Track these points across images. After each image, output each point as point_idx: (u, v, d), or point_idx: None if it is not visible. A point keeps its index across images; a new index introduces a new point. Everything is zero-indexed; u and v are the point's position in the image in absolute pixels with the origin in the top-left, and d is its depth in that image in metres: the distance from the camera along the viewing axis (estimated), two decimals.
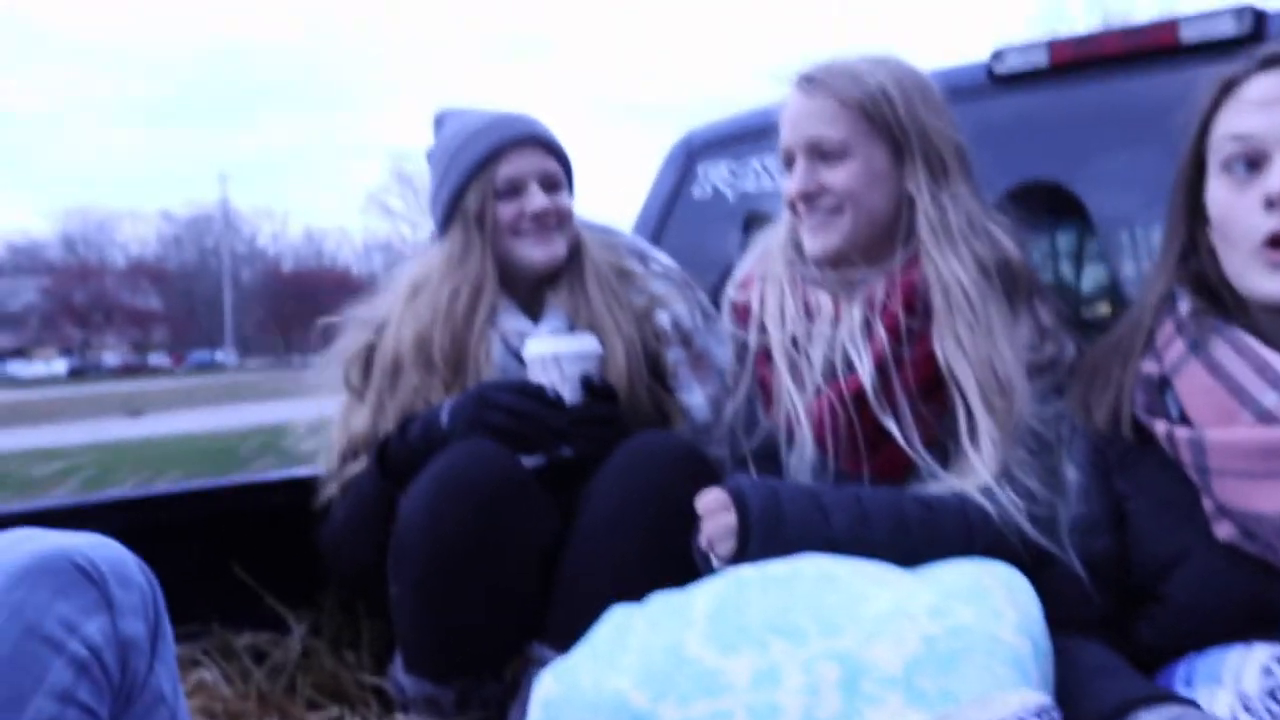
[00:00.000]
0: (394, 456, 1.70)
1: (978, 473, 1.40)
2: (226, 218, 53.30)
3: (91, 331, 51.03)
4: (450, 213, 1.84)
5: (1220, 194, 1.23)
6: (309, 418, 1.96)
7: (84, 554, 1.04)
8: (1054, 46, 1.94)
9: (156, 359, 51.41)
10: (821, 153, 1.54)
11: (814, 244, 1.57)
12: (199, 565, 1.85)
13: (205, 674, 1.77)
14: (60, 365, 47.93)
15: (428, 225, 2.03)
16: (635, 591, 1.30)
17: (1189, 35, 1.81)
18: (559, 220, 1.83)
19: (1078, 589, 1.32)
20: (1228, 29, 1.77)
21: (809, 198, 1.55)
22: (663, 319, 1.86)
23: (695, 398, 1.77)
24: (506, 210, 1.80)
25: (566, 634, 1.37)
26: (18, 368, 47.40)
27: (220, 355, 51.30)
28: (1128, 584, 1.31)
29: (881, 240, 1.55)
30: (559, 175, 1.85)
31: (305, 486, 2.00)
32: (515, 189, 1.81)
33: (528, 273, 1.84)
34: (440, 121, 1.94)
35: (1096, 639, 1.27)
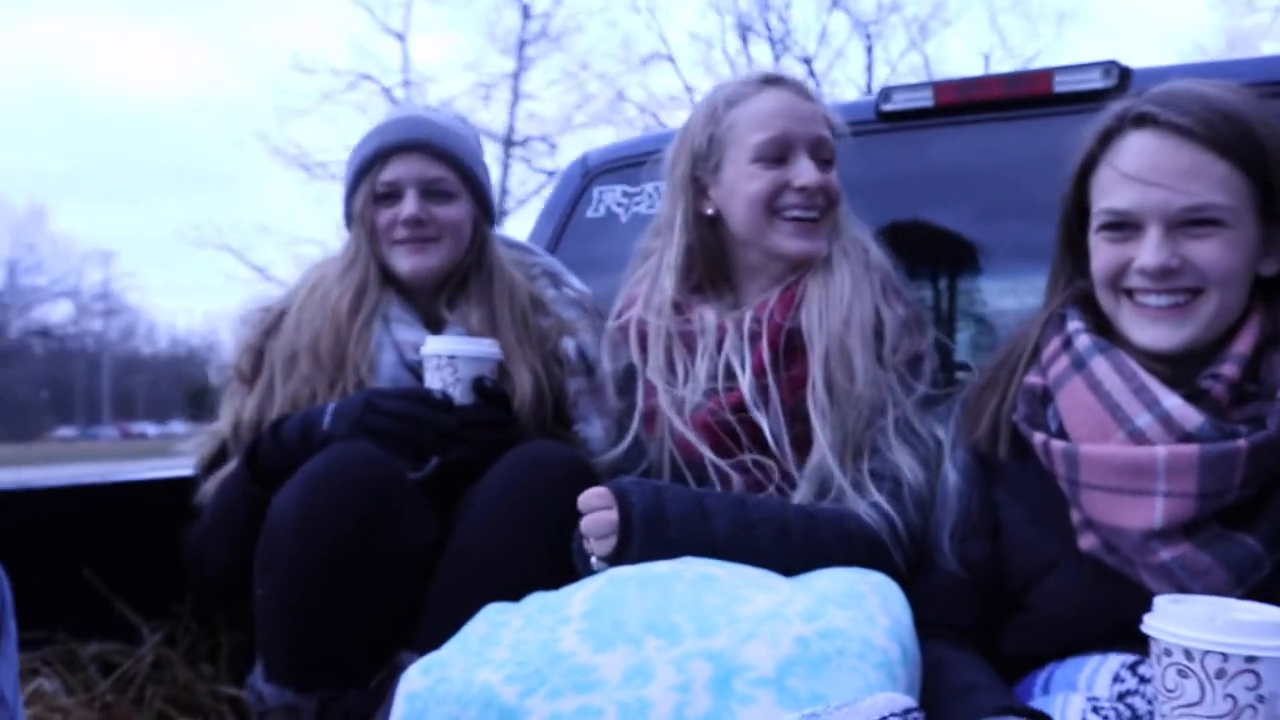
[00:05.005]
0: (265, 457, 1.64)
1: (820, 449, 1.49)
2: None
3: None
4: (347, 212, 1.84)
5: (1098, 249, 1.32)
6: None
7: None
8: (938, 88, 2.03)
9: None
10: (822, 156, 1.65)
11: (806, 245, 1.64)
12: (44, 568, 1.74)
13: (45, 683, 1.66)
14: None
15: None
16: (513, 600, 1.28)
17: (1063, 85, 1.91)
18: (438, 231, 1.78)
19: (955, 594, 1.36)
20: (1096, 81, 1.87)
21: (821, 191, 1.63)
22: (568, 346, 1.84)
23: (594, 430, 1.76)
24: (383, 216, 1.79)
25: (438, 642, 1.33)
26: None
27: None
28: (1001, 592, 1.35)
29: None
30: (447, 184, 1.80)
31: (164, 488, 1.92)
32: (393, 195, 1.78)
33: (408, 282, 1.81)
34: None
35: (969, 647, 1.31)
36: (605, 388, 1.75)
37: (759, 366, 1.56)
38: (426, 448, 1.62)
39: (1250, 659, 0.97)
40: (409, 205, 1.76)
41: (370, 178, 1.79)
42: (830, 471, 1.48)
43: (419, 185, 1.78)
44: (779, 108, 1.63)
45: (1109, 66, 1.88)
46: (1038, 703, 1.20)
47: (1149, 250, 1.24)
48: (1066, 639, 1.27)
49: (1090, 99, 1.77)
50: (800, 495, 1.50)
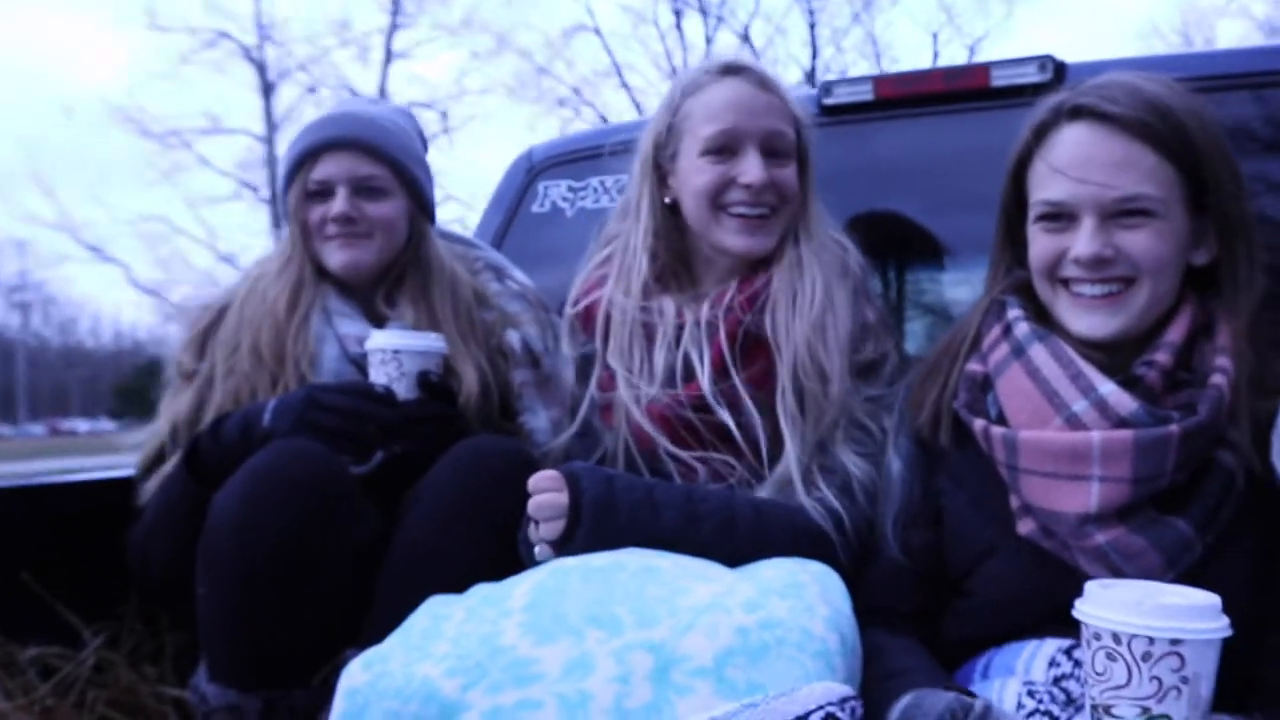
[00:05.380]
0: (205, 456, 1.62)
1: (788, 457, 1.48)
2: None
3: None
4: (283, 209, 1.83)
5: (1035, 239, 1.35)
6: None
7: None
8: (878, 82, 2.05)
9: None
10: (776, 151, 1.61)
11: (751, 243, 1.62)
12: None
13: None
14: None
15: None
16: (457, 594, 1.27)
17: (1000, 79, 1.94)
18: (370, 228, 1.77)
19: (898, 581, 1.38)
20: (1032, 76, 1.91)
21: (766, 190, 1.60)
22: (513, 339, 1.84)
23: (539, 421, 1.76)
24: (314, 213, 1.78)
25: (384, 638, 1.33)
26: None
27: None
28: (943, 578, 1.38)
29: None
30: (379, 180, 1.78)
31: (105, 489, 1.89)
32: (324, 192, 1.77)
33: (342, 277, 1.80)
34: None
35: (911, 634, 1.33)
36: (556, 377, 1.75)
37: (717, 360, 1.56)
38: (370, 443, 1.61)
39: (1175, 642, 0.99)
40: (339, 203, 1.75)
41: (302, 175, 1.78)
42: (794, 474, 1.49)
43: (350, 183, 1.77)
44: (731, 100, 1.60)
45: (1044, 61, 1.92)
46: (977, 687, 1.22)
47: (1083, 240, 1.28)
48: (1006, 623, 1.30)
49: (1026, 92, 1.80)
50: (763, 495, 1.50)
